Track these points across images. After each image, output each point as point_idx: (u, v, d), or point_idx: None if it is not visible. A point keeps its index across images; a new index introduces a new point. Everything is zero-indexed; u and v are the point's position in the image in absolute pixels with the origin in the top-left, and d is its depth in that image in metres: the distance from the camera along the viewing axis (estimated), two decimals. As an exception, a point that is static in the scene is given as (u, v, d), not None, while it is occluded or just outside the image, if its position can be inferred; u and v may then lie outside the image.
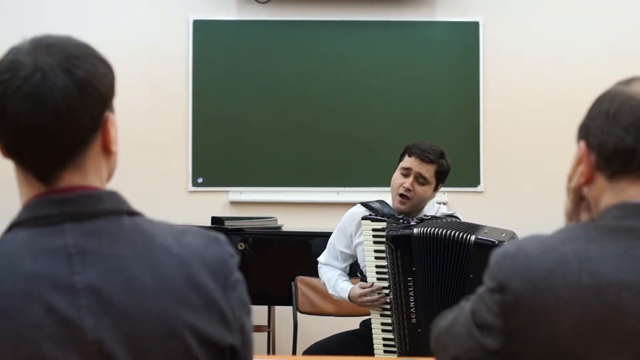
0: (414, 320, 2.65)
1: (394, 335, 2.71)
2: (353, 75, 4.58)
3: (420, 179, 2.85)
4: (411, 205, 2.88)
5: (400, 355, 2.68)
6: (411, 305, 2.65)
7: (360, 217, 2.88)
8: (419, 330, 2.63)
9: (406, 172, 2.87)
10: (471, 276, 2.53)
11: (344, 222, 3.05)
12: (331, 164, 4.55)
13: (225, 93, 4.58)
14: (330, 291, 3.02)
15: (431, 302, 2.62)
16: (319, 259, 3.13)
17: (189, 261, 1.05)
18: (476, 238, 2.55)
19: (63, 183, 1.05)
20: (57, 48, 1.03)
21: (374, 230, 2.74)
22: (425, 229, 2.62)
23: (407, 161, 2.88)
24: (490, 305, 1.11)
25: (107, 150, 1.09)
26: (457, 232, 2.59)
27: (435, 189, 2.93)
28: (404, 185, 2.85)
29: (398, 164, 2.93)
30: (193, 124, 4.55)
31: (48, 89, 1.00)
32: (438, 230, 2.61)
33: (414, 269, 2.63)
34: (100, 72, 1.05)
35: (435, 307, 2.58)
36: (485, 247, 2.49)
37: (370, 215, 2.82)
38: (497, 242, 2.48)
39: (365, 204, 2.99)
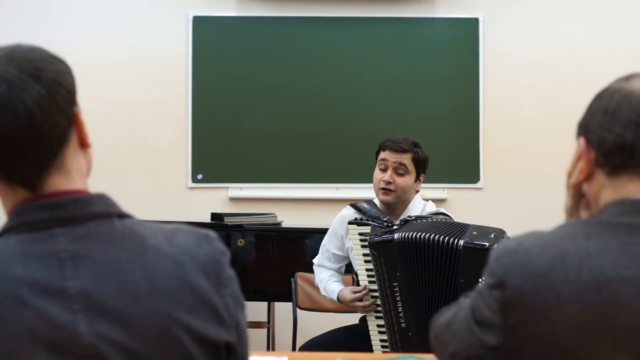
0: (403, 325, 2.63)
1: (387, 337, 2.70)
2: (352, 72, 4.58)
3: (399, 170, 2.89)
4: (395, 197, 2.89)
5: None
6: (399, 310, 2.63)
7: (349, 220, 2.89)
8: (409, 334, 2.62)
9: (384, 166, 2.91)
10: (462, 280, 2.49)
11: (334, 225, 3.07)
12: (330, 160, 4.55)
13: (225, 89, 4.58)
14: (322, 292, 3.05)
15: (420, 307, 2.59)
16: (314, 260, 3.15)
17: (181, 261, 1.05)
18: (465, 242, 2.49)
19: (49, 187, 1.04)
20: (15, 56, 1.02)
21: (360, 234, 2.73)
22: (407, 233, 2.59)
23: (382, 155, 2.93)
24: (490, 302, 1.10)
25: (83, 144, 1.09)
26: (443, 236, 2.54)
27: (417, 180, 2.94)
28: (384, 179, 2.89)
29: (376, 163, 2.96)
30: (193, 121, 4.56)
31: (17, 97, 0.99)
32: (421, 235, 2.56)
33: (398, 274, 2.61)
34: (62, 70, 1.05)
35: (426, 312, 2.55)
36: (476, 251, 2.45)
37: (356, 219, 2.82)
38: (487, 245, 2.45)
39: (354, 205, 2.99)
